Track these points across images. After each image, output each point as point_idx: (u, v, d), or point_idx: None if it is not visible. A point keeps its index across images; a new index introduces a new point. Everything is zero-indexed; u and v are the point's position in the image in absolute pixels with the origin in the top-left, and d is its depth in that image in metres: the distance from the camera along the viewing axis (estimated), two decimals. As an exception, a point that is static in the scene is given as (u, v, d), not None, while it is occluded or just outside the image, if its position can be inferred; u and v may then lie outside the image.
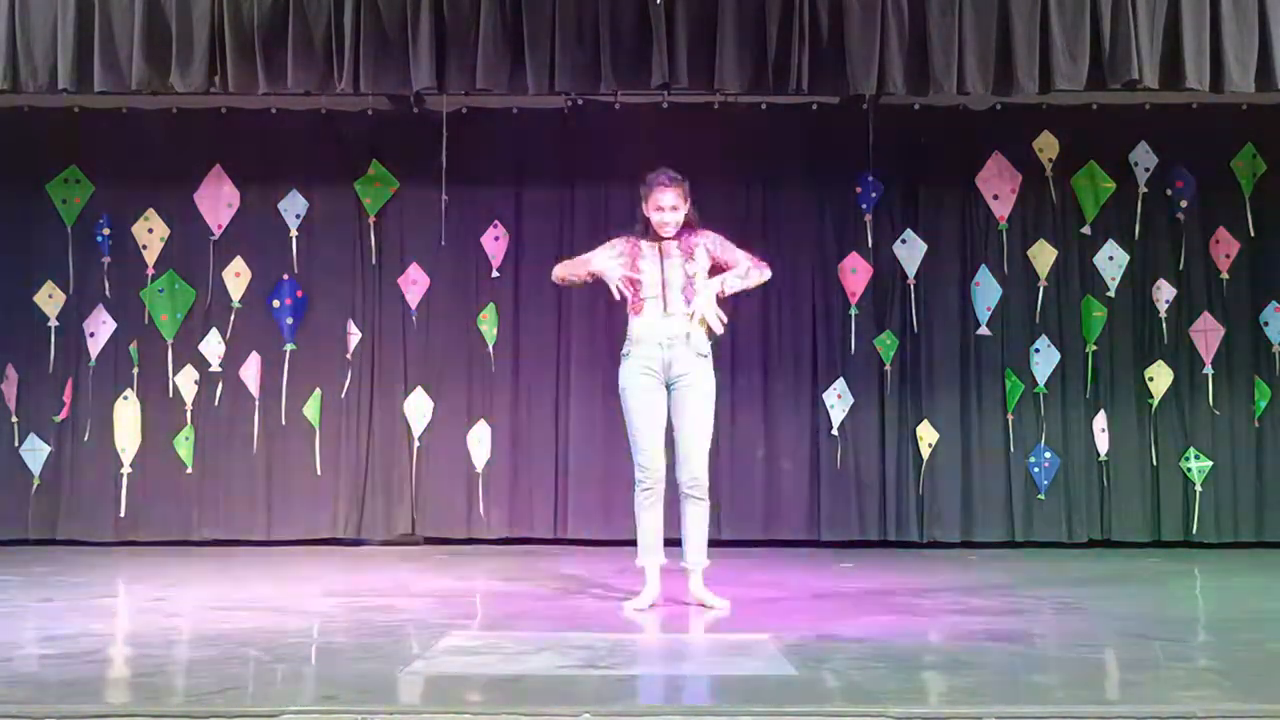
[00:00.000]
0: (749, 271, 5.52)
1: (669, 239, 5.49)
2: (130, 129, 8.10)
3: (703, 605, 5.40)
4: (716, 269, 5.53)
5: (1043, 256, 8.19)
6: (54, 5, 6.40)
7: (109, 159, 8.15)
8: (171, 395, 8.09)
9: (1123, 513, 8.07)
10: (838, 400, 8.12)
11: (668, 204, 5.46)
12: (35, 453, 8.05)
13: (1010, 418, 8.12)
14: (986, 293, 8.17)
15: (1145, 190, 8.20)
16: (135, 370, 8.10)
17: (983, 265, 8.19)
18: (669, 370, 5.41)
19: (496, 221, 8.21)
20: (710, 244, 5.53)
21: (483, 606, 5.80)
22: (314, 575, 6.66)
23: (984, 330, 8.16)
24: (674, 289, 5.43)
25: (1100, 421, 8.10)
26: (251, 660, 4.24)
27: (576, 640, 4.57)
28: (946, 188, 8.24)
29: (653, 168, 5.59)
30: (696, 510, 5.40)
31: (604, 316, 7.94)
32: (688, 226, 5.54)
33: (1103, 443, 8.10)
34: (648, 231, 5.52)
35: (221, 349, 8.12)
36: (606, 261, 5.50)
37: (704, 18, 6.37)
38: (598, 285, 5.65)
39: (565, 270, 5.69)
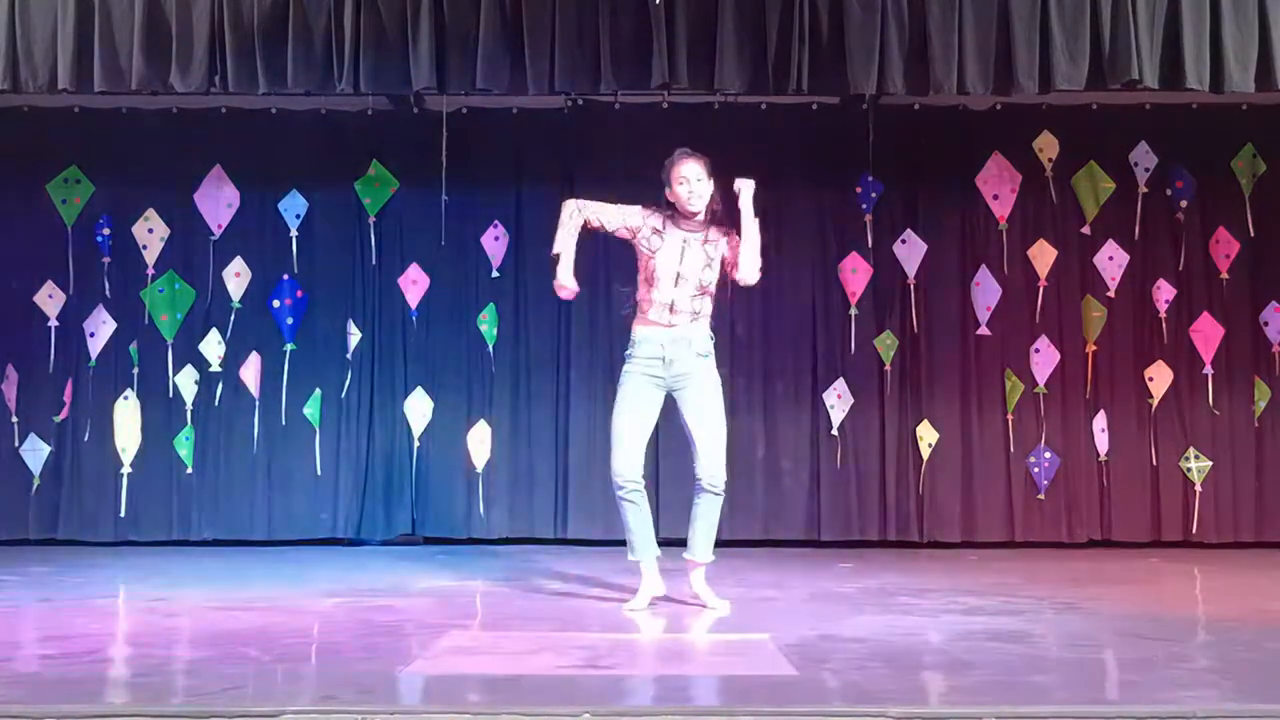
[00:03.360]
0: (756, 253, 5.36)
1: (693, 224, 5.32)
2: (130, 129, 8.09)
3: (701, 603, 5.38)
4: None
5: (1043, 256, 8.19)
6: (54, 5, 6.39)
7: (109, 159, 8.15)
8: (171, 395, 8.09)
9: (1123, 513, 8.08)
10: (838, 400, 8.12)
11: (692, 175, 5.30)
12: (35, 453, 8.05)
13: (1010, 418, 8.12)
14: (986, 293, 8.17)
15: (1145, 190, 8.20)
16: (135, 370, 8.10)
17: (983, 265, 8.19)
18: (670, 370, 5.37)
19: (496, 221, 8.21)
20: (727, 246, 5.39)
21: (483, 606, 5.80)
22: (314, 575, 6.66)
23: (984, 330, 8.16)
24: (683, 295, 5.33)
25: (1100, 421, 8.11)
26: (251, 660, 4.24)
27: (576, 640, 4.57)
28: (946, 188, 8.24)
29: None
30: (711, 505, 5.34)
31: (604, 316, 7.94)
32: (714, 217, 5.38)
33: (1103, 443, 8.10)
34: (675, 216, 5.38)
35: (221, 349, 8.12)
36: (567, 244, 5.37)
37: (704, 18, 6.36)
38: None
39: (568, 220, 5.46)
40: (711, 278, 5.39)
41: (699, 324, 5.40)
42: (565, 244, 5.41)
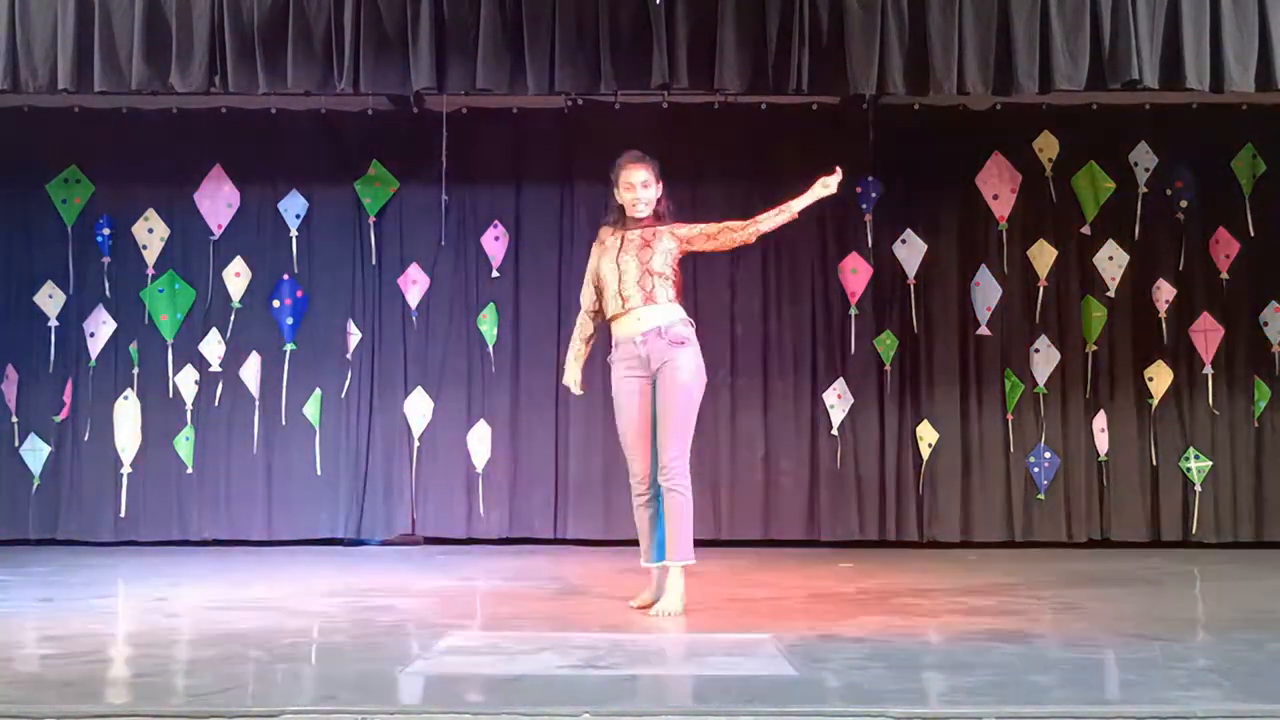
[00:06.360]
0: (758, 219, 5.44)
1: (638, 224, 5.37)
2: (130, 129, 8.10)
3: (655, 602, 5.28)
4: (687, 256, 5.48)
5: (1043, 256, 8.19)
6: (54, 5, 6.39)
7: (109, 159, 8.16)
8: (171, 395, 8.09)
9: (1122, 513, 8.08)
10: (838, 400, 8.12)
11: (638, 180, 5.36)
12: (35, 453, 8.05)
13: (1010, 418, 8.12)
14: (986, 293, 8.17)
15: (1145, 190, 8.20)
16: (135, 370, 8.10)
17: (983, 265, 8.20)
18: (649, 365, 5.35)
19: (496, 221, 8.22)
20: (678, 229, 5.40)
21: (483, 606, 5.80)
22: (314, 575, 6.66)
23: (984, 330, 8.16)
24: (629, 281, 5.32)
25: (1100, 421, 8.11)
26: (251, 660, 4.24)
27: (576, 640, 4.57)
28: (946, 188, 8.24)
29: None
30: (673, 502, 5.25)
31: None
32: (659, 218, 5.42)
33: (1102, 443, 8.10)
34: (622, 219, 5.43)
35: (221, 349, 8.12)
36: (571, 372, 5.63)
37: (704, 18, 6.37)
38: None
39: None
40: (650, 255, 5.33)
41: (661, 308, 5.31)
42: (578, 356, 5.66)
